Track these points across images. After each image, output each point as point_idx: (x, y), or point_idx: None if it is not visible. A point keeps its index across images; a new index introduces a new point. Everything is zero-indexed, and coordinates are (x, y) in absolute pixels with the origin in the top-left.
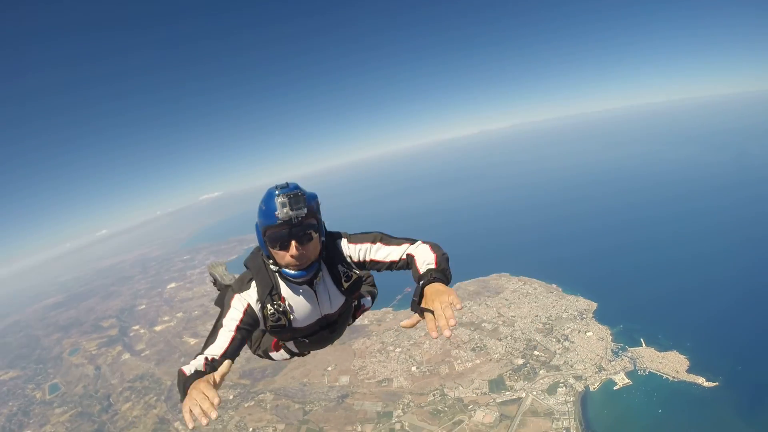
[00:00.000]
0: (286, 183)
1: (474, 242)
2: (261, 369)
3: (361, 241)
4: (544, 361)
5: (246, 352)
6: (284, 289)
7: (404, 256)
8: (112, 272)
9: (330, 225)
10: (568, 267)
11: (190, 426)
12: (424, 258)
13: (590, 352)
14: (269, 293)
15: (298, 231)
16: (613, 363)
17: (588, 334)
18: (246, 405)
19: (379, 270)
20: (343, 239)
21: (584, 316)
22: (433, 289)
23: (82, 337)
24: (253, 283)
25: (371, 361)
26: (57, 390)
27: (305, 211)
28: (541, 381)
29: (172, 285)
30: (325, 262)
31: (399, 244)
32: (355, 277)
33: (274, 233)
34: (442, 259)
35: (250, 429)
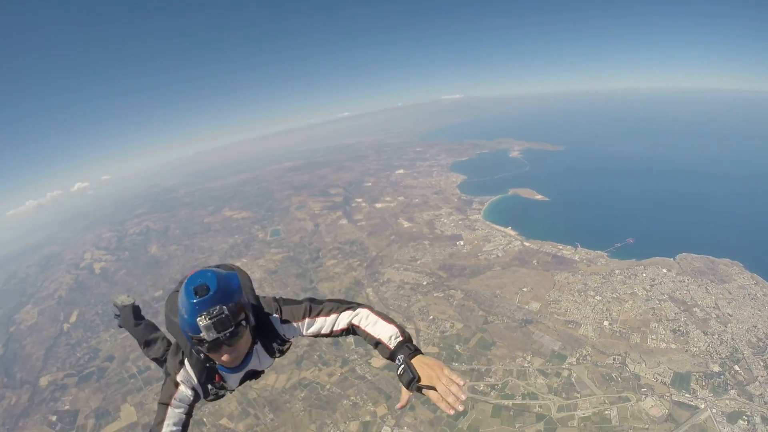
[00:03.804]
0: (205, 286)
1: (716, 209)
2: (460, 267)
3: (293, 319)
4: (741, 381)
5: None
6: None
7: (344, 326)
8: (348, 150)
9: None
10: None
11: None
12: (384, 331)
13: None
14: (207, 375)
15: (227, 340)
16: None
17: None
18: (435, 294)
19: (316, 337)
20: (274, 316)
21: None
22: (424, 364)
23: (309, 197)
24: (188, 364)
25: (567, 298)
26: (277, 235)
27: (233, 327)
28: (727, 402)
29: (401, 171)
30: (260, 338)
31: (328, 314)
32: (288, 346)
33: (202, 343)
34: (403, 328)
35: (431, 316)
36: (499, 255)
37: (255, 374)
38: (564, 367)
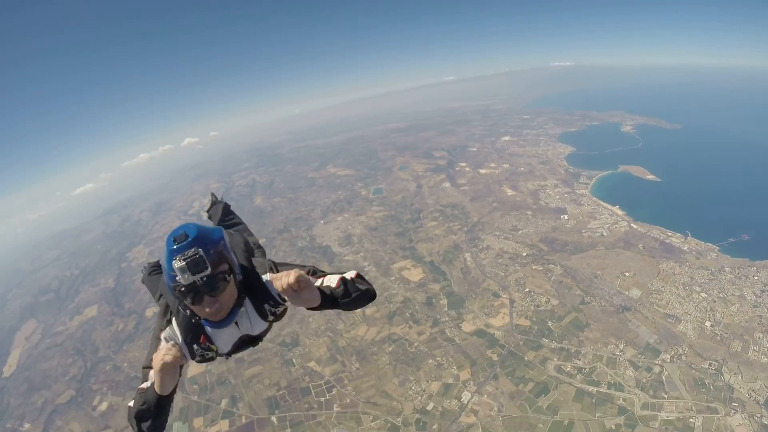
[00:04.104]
0: (184, 234)
1: None
2: (562, 242)
3: None
4: None
5: None
6: (206, 327)
7: (335, 285)
8: (453, 114)
9: None
10: None
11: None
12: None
13: None
14: (193, 335)
15: (207, 287)
16: None
17: None
18: (533, 267)
19: None
20: (269, 276)
21: None
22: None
23: (413, 159)
24: (174, 323)
25: (670, 290)
26: (379, 193)
27: (209, 269)
28: None
29: (506, 138)
30: (250, 298)
31: (326, 276)
32: (282, 310)
33: (182, 291)
34: (347, 286)
35: (527, 289)
36: (604, 234)
37: (251, 341)
38: (656, 362)
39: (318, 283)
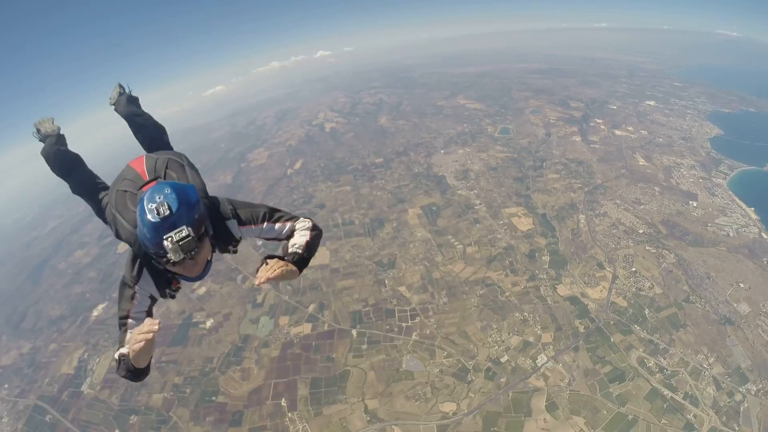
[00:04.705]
0: (166, 204)
1: None
2: (683, 230)
3: (252, 221)
4: None
5: None
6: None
7: (290, 232)
8: (598, 64)
9: None
10: None
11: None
12: (298, 240)
13: None
14: (165, 281)
15: (191, 257)
16: None
17: None
18: (646, 247)
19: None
20: (232, 221)
21: None
22: (285, 262)
23: (547, 105)
24: (145, 271)
25: None
26: (506, 133)
27: (197, 247)
28: None
29: (651, 102)
30: (217, 243)
31: (285, 222)
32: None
33: (167, 261)
34: (311, 248)
35: (633, 268)
36: (730, 234)
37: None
38: (740, 390)
39: (300, 234)
